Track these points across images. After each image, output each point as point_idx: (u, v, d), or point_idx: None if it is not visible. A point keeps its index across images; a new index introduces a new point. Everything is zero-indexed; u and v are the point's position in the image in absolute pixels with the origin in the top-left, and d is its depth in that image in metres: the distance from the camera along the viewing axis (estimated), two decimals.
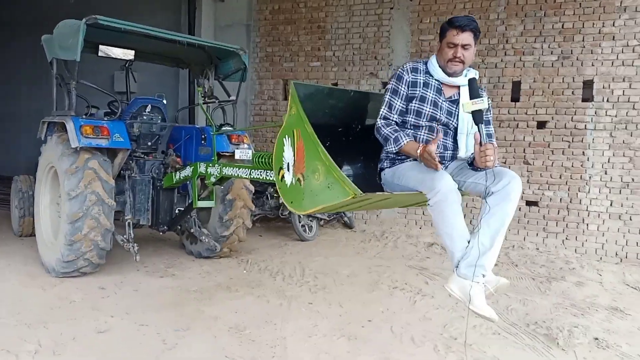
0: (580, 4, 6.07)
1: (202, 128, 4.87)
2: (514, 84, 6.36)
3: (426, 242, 6.15)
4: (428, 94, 2.44)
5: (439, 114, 2.43)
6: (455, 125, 2.43)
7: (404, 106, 2.48)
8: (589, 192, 6.04)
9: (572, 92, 6.14)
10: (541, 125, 6.28)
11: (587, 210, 6.04)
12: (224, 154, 4.68)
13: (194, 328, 3.19)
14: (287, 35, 7.54)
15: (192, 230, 4.72)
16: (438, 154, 2.42)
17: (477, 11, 6.47)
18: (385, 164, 2.51)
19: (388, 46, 6.99)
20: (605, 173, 5.96)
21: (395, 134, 2.37)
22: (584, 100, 6.09)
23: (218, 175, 3.61)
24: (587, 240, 6.03)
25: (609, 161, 5.95)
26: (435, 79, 2.46)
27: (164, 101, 5.32)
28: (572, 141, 6.13)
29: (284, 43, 7.57)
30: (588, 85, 6.07)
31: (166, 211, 4.75)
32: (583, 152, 6.07)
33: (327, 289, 4.12)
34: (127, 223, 4.32)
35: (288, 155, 2.34)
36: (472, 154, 2.34)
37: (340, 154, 2.66)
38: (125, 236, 4.28)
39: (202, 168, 3.84)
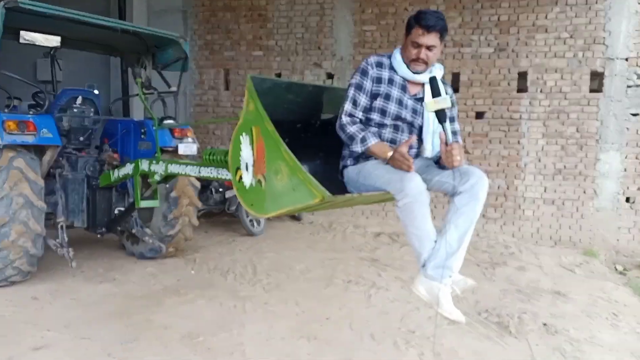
0: None
1: (141, 121, 4.56)
2: (454, 75, 6.50)
3: (374, 232, 6.19)
4: (393, 91, 2.37)
5: (403, 113, 2.36)
6: (420, 123, 2.37)
7: (369, 103, 2.39)
8: (524, 179, 6.32)
9: (508, 84, 6.37)
10: (479, 115, 6.48)
11: (523, 196, 6.33)
12: (167, 149, 4.41)
13: (143, 339, 2.97)
14: (227, 22, 7.25)
15: (133, 231, 4.42)
16: None
17: (418, 3, 6.53)
18: (348, 161, 2.42)
19: (331, 36, 6.90)
20: (539, 161, 6.26)
21: (362, 134, 2.27)
22: (519, 91, 6.34)
23: (163, 173, 3.37)
24: (524, 225, 6.32)
25: (542, 149, 6.25)
26: (400, 76, 2.39)
27: (96, 92, 4.93)
28: (509, 131, 6.38)
29: (223, 31, 7.27)
30: (523, 76, 6.32)
31: (103, 212, 4.41)
32: (518, 141, 6.33)
33: (281, 287, 4.01)
34: (59, 226, 3.97)
35: (246, 154, 2.19)
36: (438, 152, 2.30)
37: (299, 151, 2.53)
38: (58, 240, 3.93)
39: (144, 165, 3.57)
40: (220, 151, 2.74)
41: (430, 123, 2.35)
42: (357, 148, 2.27)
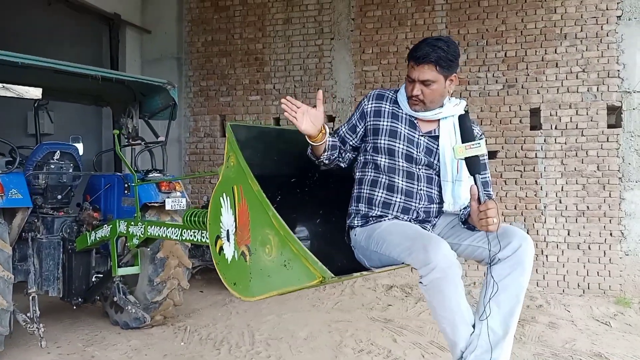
0: (521, 31, 6.01)
1: (125, 175, 4.17)
2: None
3: (385, 285, 5.67)
4: (399, 127, 1.97)
5: (415, 153, 1.95)
6: (439, 167, 1.96)
7: (349, 136, 2.08)
8: (545, 222, 5.85)
9: (520, 121, 6.01)
10: (492, 155, 6.07)
11: (545, 241, 5.84)
12: (153, 204, 4.00)
13: None
14: (222, 68, 7.01)
15: (115, 299, 3.95)
16: (422, 209, 1.94)
17: (418, 40, 6.27)
18: (355, 221, 1.99)
19: (331, 77, 6.62)
20: (560, 202, 5.81)
21: None
22: (532, 128, 5.98)
23: (142, 236, 2.94)
24: (548, 272, 5.79)
25: (562, 189, 5.81)
26: (405, 113, 2.00)
27: (79, 145, 4.59)
28: (524, 170, 5.96)
29: (219, 76, 7.02)
30: (535, 113, 5.97)
31: (81, 279, 3.94)
32: (536, 181, 5.90)
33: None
34: (30, 297, 3.51)
35: (227, 220, 1.77)
36: (464, 208, 1.87)
37: (295, 210, 2.13)
38: (28, 314, 3.46)
39: (122, 227, 3.14)
40: (202, 212, 2.32)
41: (448, 168, 1.92)
42: (310, 154, 1.98)
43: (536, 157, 5.90)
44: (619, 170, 5.64)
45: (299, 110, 1.76)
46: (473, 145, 1.72)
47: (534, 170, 5.90)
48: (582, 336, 4.11)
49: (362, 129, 2.05)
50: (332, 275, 1.42)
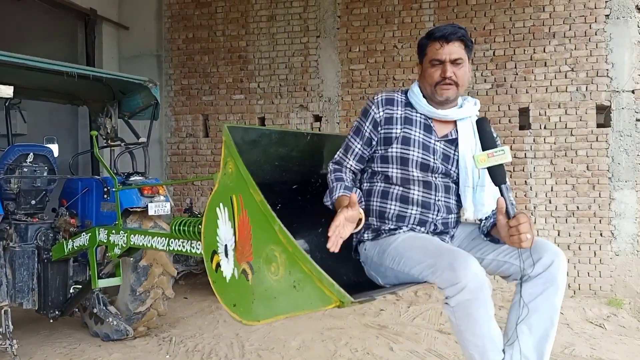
0: (509, 30, 5.95)
1: (104, 179, 3.93)
2: None
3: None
4: (413, 133, 1.80)
5: (432, 160, 1.78)
6: (457, 175, 1.80)
7: (367, 151, 1.85)
8: (535, 222, 5.78)
9: (509, 121, 5.94)
10: None
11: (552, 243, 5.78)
12: (135, 209, 3.78)
13: None
14: (204, 66, 6.77)
15: (95, 310, 3.71)
16: (441, 220, 1.78)
17: (407, 40, 6.17)
18: (365, 235, 1.82)
19: (317, 76, 6.45)
20: (550, 202, 5.76)
21: (335, 183, 1.76)
22: (521, 128, 5.91)
23: (124, 245, 2.72)
24: None
25: (552, 189, 5.76)
26: (420, 114, 1.84)
27: (54, 146, 4.33)
28: (514, 170, 5.89)
29: (201, 75, 6.78)
30: (524, 112, 5.91)
31: (58, 290, 3.68)
32: (525, 182, 5.84)
33: None
34: (2, 311, 3.26)
35: (225, 233, 1.59)
36: (485, 219, 1.72)
37: (296, 220, 1.95)
38: (0, 330, 3.21)
39: (102, 235, 2.92)
40: (194, 221, 2.13)
41: (469, 174, 1.77)
42: (327, 203, 1.77)
43: (525, 157, 5.84)
44: (608, 170, 5.62)
45: (340, 227, 1.52)
46: (497, 152, 1.56)
47: (523, 171, 5.84)
48: (579, 340, 4.04)
49: (376, 140, 1.86)
50: (352, 299, 1.26)
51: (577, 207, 5.65)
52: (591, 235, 5.61)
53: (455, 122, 1.82)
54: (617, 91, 5.63)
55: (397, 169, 1.79)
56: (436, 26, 1.83)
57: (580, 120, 5.70)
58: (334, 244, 1.47)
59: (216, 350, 3.75)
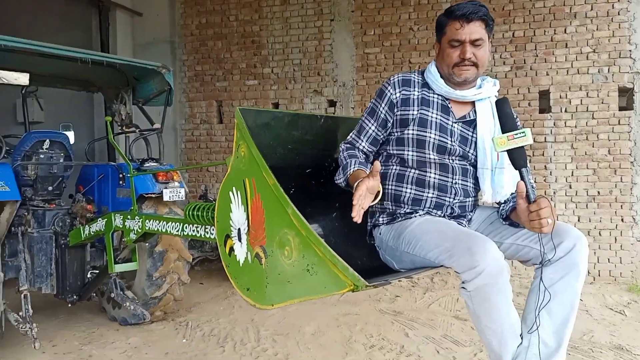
0: (529, 11, 5.78)
1: (119, 165, 3.95)
2: None
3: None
4: (430, 114, 1.75)
5: (449, 143, 1.73)
6: (475, 157, 1.75)
7: (381, 134, 1.80)
8: (555, 207, 5.68)
9: (529, 104, 5.81)
10: None
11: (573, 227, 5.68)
12: (150, 195, 3.79)
13: None
14: (218, 51, 6.73)
15: (112, 295, 3.75)
16: (458, 204, 1.73)
17: (424, 22, 6.05)
18: (380, 219, 1.78)
19: (331, 60, 6.37)
20: (570, 187, 5.64)
21: (348, 160, 1.71)
22: (541, 111, 5.78)
23: (139, 230, 2.74)
24: None
25: (572, 174, 5.64)
26: (437, 94, 1.78)
27: (70, 133, 4.35)
28: (533, 155, 5.77)
29: (215, 60, 6.75)
30: (544, 95, 5.77)
31: (76, 275, 3.73)
32: (545, 166, 5.73)
33: (291, 358, 3.32)
34: (22, 295, 3.30)
35: (238, 217, 1.57)
36: (504, 203, 1.67)
37: (309, 204, 1.92)
38: (20, 313, 3.26)
39: (117, 221, 2.94)
40: (207, 206, 2.12)
41: (488, 156, 1.72)
42: (340, 179, 1.71)
43: (545, 141, 5.71)
44: (630, 154, 5.47)
45: (362, 197, 1.49)
46: (517, 134, 1.50)
47: (543, 155, 5.72)
48: (599, 327, 3.97)
49: (392, 122, 1.81)
50: (366, 283, 1.23)
51: (598, 192, 5.53)
52: (612, 220, 5.49)
53: (473, 103, 1.77)
54: None
55: (413, 151, 1.74)
56: (457, 3, 1.75)
57: (602, 103, 5.55)
58: (357, 214, 1.43)
59: (232, 334, 3.78)
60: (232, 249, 1.60)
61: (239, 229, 1.56)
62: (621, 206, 5.48)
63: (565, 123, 5.65)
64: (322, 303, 4.57)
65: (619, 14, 5.52)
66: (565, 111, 5.65)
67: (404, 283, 5.26)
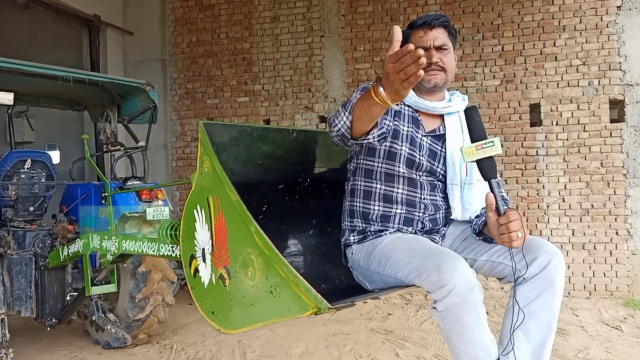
0: (518, 24, 5.79)
1: (102, 184, 3.88)
2: None
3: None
4: (402, 126, 1.70)
5: (418, 157, 1.68)
6: (443, 173, 1.69)
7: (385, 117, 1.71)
8: (548, 221, 5.62)
9: (520, 117, 5.79)
10: None
11: (549, 242, 5.60)
12: (133, 214, 3.71)
13: None
14: (208, 69, 6.73)
15: (93, 318, 3.65)
16: (428, 218, 1.67)
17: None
18: (351, 237, 1.71)
19: (322, 77, 6.36)
20: (563, 200, 5.58)
21: (345, 103, 1.55)
22: (532, 124, 5.75)
23: (116, 251, 2.66)
24: None
25: (565, 187, 5.59)
26: (408, 106, 1.73)
27: (55, 152, 4.30)
28: (525, 168, 5.73)
29: (205, 78, 6.74)
30: (535, 108, 5.75)
31: (56, 297, 3.63)
32: (538, 180, 5.67)
33: None
34: (0, 319, 3.21)
35: (202, 236, 1.50)
36: (476, 217, 1.61)
37: (283, 221, 1.86)
38: None
39: (95, 241, 2.86)
40: (177, 224, 2.04)
41: (457, 172, 1.67)
42: (343, 119, 1.49)
43: (537, 154, 5.67)
44: (623, 167, 5.43)
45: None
46: (486, 144, 1.44)
47: (535, 169, 5.68)
48: (594, 343, 3.87)
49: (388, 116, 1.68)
50: (329, 305, 1.15)
51: (592, 205, 5.47)
52: (606, 234, 5.42)
53: (443, 117, 1.72)
54: (631, 84, 5.44)
55: (382, 163, 1.69)
56: (419, 17, 1.74)
57: (593, 115, 5.52)
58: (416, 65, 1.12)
59: (217, 357, 3.67)
60: (197, 270, 1.53)
61: (204, 249, 1.49)
62: (615, 219, 5.42)
63: (556, 136, 5.62)
64: (313, 322, 4.47)
65: (607, 27, 5.53)
66: (557, 124, 5.62)
67: (397, 300, 5.16)
